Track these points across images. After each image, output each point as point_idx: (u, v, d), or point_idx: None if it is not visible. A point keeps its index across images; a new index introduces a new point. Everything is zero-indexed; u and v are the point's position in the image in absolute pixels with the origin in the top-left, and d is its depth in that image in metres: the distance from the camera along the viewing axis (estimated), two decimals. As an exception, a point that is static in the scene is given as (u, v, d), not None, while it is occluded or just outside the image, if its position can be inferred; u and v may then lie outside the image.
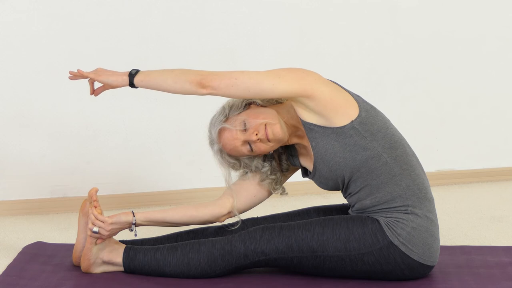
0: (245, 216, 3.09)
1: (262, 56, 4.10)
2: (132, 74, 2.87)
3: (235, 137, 2.89)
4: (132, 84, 2.87)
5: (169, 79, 2.82)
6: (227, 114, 2.92)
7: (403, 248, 2.81)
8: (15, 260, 3.14)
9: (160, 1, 3.98)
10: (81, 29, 3.91)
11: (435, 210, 2.91)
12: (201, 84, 2.78)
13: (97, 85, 2.95)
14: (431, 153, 4.34)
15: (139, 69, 2.90)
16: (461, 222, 3.71)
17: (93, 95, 2.95)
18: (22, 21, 3.86)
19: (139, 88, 2.92)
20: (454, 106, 4.38)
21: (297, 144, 3.00)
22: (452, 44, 4.32)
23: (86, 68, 2.98)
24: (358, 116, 2.83)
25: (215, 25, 4.04)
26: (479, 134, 4.43)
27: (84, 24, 3.91)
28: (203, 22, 4.03)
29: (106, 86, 2.92)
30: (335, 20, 4.18)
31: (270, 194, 3.08)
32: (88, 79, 2.92)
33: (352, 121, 2.82)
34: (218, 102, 2.96)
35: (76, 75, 2.92)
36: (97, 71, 2.91)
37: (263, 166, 3.02)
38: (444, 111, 4.38)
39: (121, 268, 2.99)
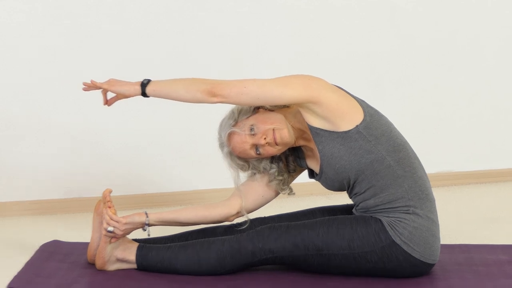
0: (253, 216, 3.12)
1: (262, 56, 4.06)
2: (144, 84, 2.88)
3: (244, 141, 2.92)
4: (144, 94, 2.89)
5: (180, 89, 2.84)
6: (236, 118, 2.95)
7: (405, 247, 2.85)
8: (32, 258, 3.16)
9: (161, 1, 3.94)
10: (81, 29, 3.87)
11: (436, 211, 2.93)
12: (211, 93, 2.81)
13: (109, 95, 2.96)
14: (430, 154, 4.22)
15: (150, 78, 2.91)
16: (461, 222, 3.72)
17: (106, 105, 2.98)
18: (22, 21, 3.81)
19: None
20: (453, 108, 4.36)
21: (303, 146, 3.03)
22: (452, 44, 4.29)
23: (93, 74, 2.93)
24: (363, 120, 2.86)
25: (215, 25, 4.00)
26: (478, 136, 4.41)
27: (84, 24, 3.87)
28: (203, 23, 3.99)
29: (119, 96, 2.94)
30: (335, 20, 4.15)
31: (277, 194, 3.10)
32: (101, 89, 2.93)
33: (357, 126, 2.85)
34: (223, 104, 2.95)
35: (90, 86, 2.93)
36: (110, 81, 2.92)
37: (271, 168, 3.05)
38: (443, 112, 4.35)
39: (134, 266, 3.02)
